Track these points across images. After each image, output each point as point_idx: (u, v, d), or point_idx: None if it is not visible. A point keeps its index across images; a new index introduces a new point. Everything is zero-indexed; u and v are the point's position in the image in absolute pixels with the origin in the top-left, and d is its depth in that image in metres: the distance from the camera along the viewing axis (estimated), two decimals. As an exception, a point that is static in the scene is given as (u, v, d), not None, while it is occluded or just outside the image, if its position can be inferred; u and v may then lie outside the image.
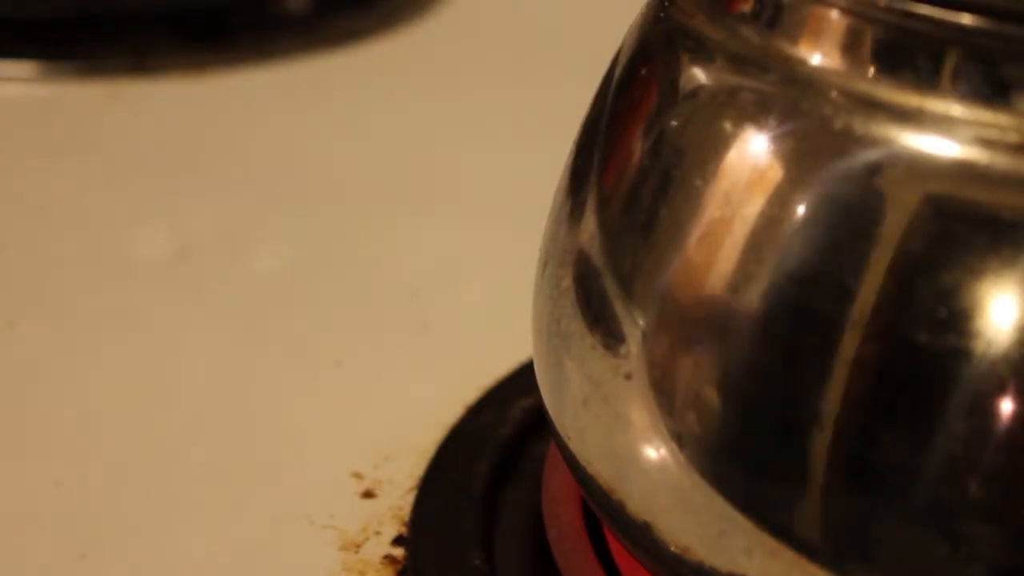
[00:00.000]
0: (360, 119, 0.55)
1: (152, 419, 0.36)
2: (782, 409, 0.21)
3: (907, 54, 0.21)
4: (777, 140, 0.22)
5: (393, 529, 0.32)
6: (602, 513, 0.25)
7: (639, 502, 0.24)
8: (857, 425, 0.21)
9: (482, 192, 0.49)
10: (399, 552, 0.31)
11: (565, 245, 0.26)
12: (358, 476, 0.33)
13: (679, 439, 0.23)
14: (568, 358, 0.25)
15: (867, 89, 0.21)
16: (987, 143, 0.20)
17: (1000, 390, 0.20)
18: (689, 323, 0.22)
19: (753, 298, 0.22)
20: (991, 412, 0.20)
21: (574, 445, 0.25)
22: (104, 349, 0.39)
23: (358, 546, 0.31)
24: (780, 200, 0.21)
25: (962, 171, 0.20)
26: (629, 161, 0.25)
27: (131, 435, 0.35)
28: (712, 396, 0.22)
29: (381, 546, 0.31)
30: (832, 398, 0.21)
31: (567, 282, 0.25)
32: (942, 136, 0.20)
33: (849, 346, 0.20)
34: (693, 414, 0.22)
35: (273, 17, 0.65)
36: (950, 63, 0.20)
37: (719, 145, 0.23)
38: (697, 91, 0.23)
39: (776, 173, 0.22)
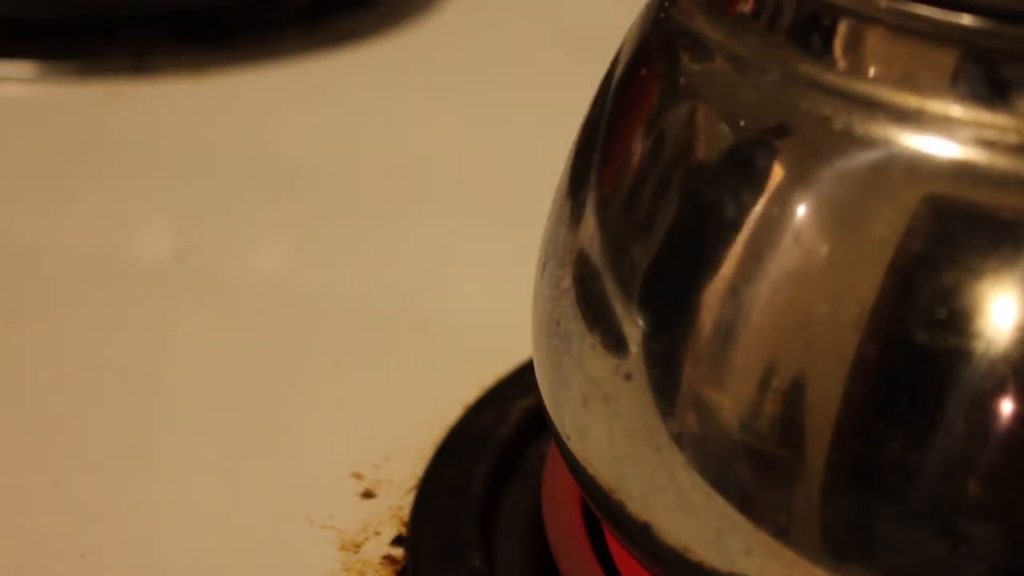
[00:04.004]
0: (359, 119, 0.55)
1: (152, 419, 0.36)
2: (782, 408, 0.21)
3: (907, 54, 0.21)
4: (777, 140, 0.22)
5: (393, 529, 0.32)
6: (602, 513, 0.25)
7: (639, 502, 0.24)
8: (857, 425, 0.21)
9: (482, 192, 0.49)
10: (399, 552, 0.31)
11: (565, 245, 0.26)
12: (358, 476, 0.33)
13: (679, 439, 0.23)
14: (568, 358, 0.25)
15: (867, 89, 0.21)
16: (987, 144, 0.20)
17: (1000, 390, 0.20)
18: (689, 323, 0.22)
19: (753, 298, 0.22)
20: (991, 412, 0.20)
21: (574, 445, 0.25)
22: (104, 349, 0.39)
23: (358, 546, 0.31)
24: (780, 200, 0.21)
25: (962, 172, 0.20)
26: (629, 161, 0.25)
27: (131, 435, 0.35)
28: (712, 396, 0.22)
29: (381, 546, 0.31)
30: (832, 398, 0.21)
31: (567, 282, 0.25)
32: (942, 137, 0.20)
33: (849, 346, 0.20)
34: (693, 414, 0.22)
35: (273, 17, 0.65)
36: (950, 63, 0.20)
37: (718, 146, 0.23)
38: (697, 91, 0.23)
39: (776, 173, 0.22)
